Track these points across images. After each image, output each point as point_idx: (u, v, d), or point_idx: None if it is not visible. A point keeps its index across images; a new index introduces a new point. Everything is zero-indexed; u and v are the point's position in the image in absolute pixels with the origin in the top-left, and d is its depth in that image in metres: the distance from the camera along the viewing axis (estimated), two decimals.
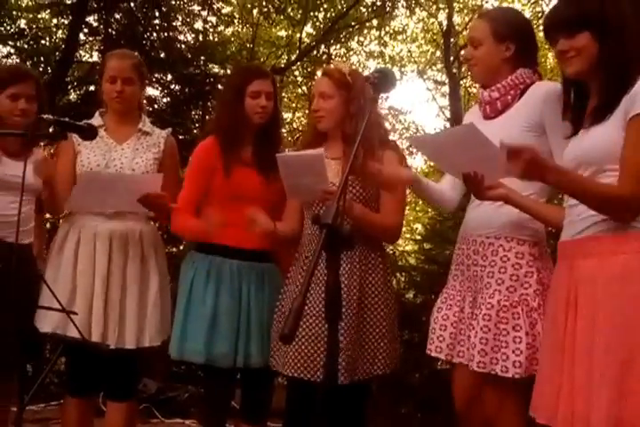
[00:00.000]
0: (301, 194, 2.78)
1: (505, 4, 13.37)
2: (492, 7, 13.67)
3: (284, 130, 5.25)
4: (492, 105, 2.65)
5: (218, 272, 2.96)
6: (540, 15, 12.63)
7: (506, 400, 2.47)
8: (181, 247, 6.37)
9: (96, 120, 3.20)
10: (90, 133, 2.78)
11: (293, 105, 15.04)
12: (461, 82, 14.71)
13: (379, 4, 12.07)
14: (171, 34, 8.27)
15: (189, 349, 2.92)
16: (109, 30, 8.01)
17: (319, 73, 3.14)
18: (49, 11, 9.02)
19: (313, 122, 3.02)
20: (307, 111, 13.56)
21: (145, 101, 3.57)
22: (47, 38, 9.27)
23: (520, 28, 2.66)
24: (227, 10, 11.23)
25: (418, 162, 16.17)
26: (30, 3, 10.05)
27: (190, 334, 2.93)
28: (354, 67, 2.99)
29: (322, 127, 2.93)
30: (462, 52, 14.17)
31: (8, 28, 9.17)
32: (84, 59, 9.53)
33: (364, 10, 12.61)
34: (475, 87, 15.56)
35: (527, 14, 13.55)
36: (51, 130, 2.89)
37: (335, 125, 2.89)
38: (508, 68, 2.63)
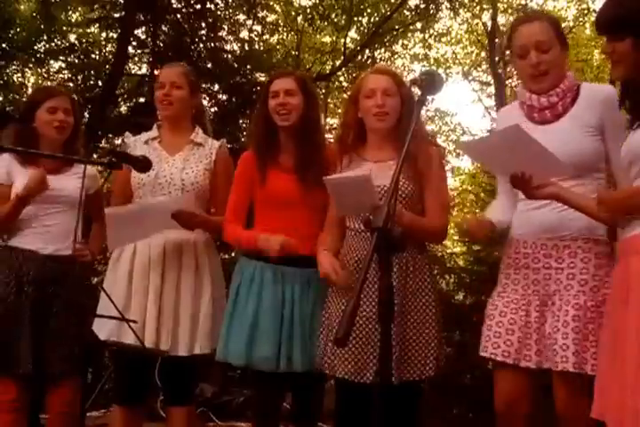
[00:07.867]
0: (351, 209, 2.80)
1: (550, 2, 13.25)
2: (536, 7, 13.58)
3: (329, 135, 5.24)
4: (552, 110, 2.62)
5: (261, 277, 2.97)
6: (585, 12, 12.49)
7: (580, 399, 2.46)
8: (233, 254, 6.44)
9: (153, 132, 3.30)
10: (144, 166, 2.86)
11: (339, 111, 15.09)
12: (507, 82, 14.59)
13: (422, 6, 12.06)
14: (217, 44, 8.39)
15: (232, 351, 2.93)
16: (157, 42, 8.16)
17: (370, 71, 3.10)
18: (98, 25, 9.20)
19: (372, 120, 2.88)
20: None
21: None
22: (97, 52, 9.49)
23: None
24: (271, 18, 11.35)
25: (465, 164, 16.11)
26: (80, 18, 10.29)
27: (233, 337, 2.94)
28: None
29: (384, 125, 2.86)
30: (508, 54, 14.06)
31: (59, 43, 9.42)
32: (133, 71, 9.70)
33: (407, 13, 12.61)
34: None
35: (572, 11, 13.40)
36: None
37: (394, 124, 2.86)
38: (565, 71, 2.65)
